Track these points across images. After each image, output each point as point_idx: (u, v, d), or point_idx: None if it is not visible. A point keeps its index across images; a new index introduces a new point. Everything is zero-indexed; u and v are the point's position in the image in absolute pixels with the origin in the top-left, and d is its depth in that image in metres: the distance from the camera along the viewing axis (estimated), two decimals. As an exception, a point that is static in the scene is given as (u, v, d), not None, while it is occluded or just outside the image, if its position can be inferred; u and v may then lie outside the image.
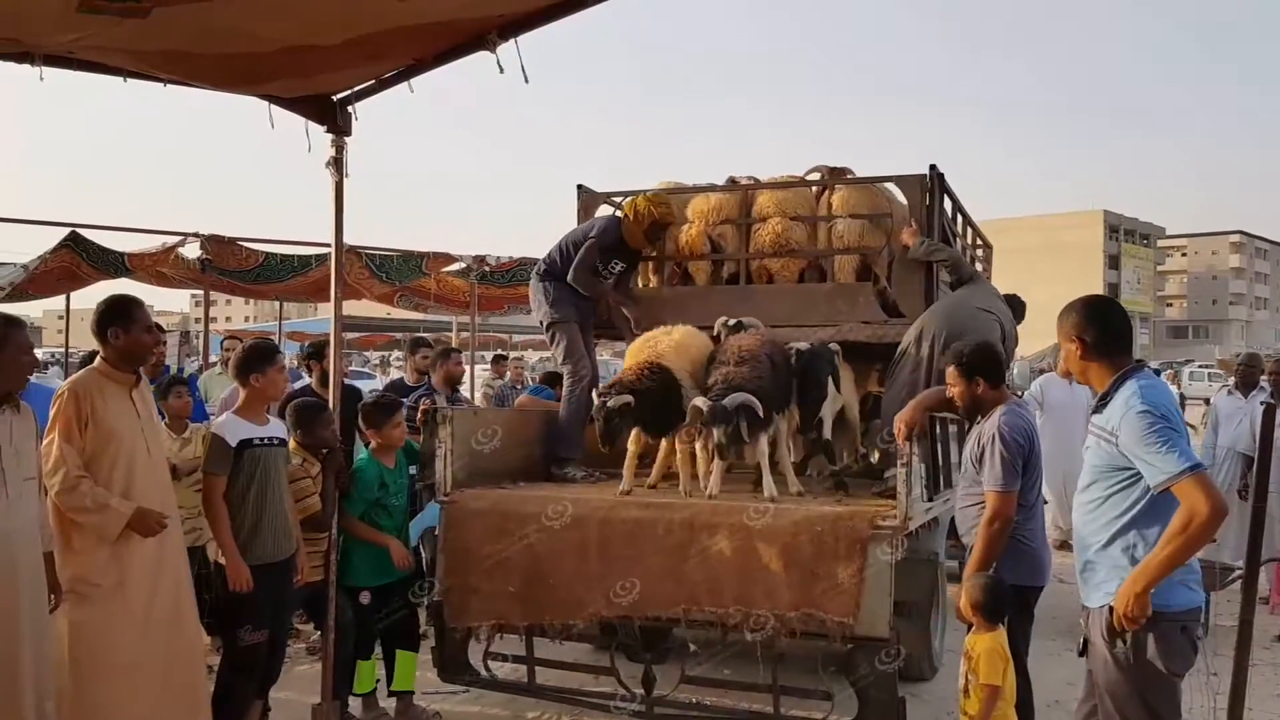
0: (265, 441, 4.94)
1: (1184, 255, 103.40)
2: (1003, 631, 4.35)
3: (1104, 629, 3.45)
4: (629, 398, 5.36)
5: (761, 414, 5.26)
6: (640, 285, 7.78)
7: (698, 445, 5.57)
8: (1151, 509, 3.41)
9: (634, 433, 5.58)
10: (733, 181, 7.53)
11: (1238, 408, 8.97)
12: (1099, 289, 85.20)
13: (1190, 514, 3.24)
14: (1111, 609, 3.41)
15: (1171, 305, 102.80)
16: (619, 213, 6.93)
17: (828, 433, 6.14)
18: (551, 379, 9.37)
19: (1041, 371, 18.94)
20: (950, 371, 4.77)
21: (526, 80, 4.13)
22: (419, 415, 5.88)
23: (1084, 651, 3.67)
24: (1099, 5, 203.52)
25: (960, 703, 4.41)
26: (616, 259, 6.70)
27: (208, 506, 4.84)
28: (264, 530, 4.87)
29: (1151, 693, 3.43)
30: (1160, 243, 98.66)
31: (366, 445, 5.79)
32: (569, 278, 6.57)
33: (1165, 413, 3.36)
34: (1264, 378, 9.07)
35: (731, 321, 6.27)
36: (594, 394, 5.63)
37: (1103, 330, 3.59)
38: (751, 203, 7.22)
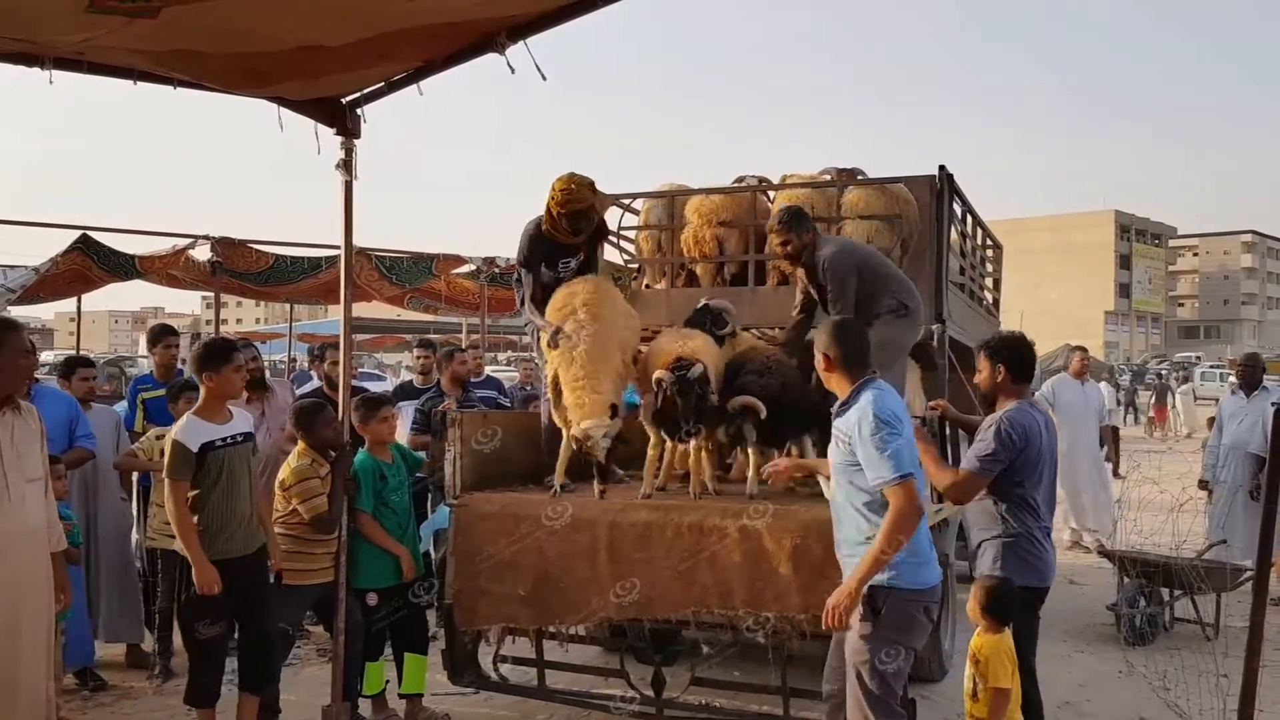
0: (227, 441, 4.91)
1: (1196, 255, 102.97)
2: (1008, 634, 4.35)
3: (861, 604, 3.89)
4: (703, 366, 5.25)
5: (764, 415, 5.21)
6: (646, 286, 7.80)
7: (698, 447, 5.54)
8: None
9: (654, 434, 5.53)
10: (740, 181, 7.54)
11: (1240, 407, 9.02)
12: (1110, 289, 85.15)
13: (894, 514, 3.81)
14: (873, 587, 3.87)
15: (1183, 305, 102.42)
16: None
17: None
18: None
19: (1053, 373, 18.93)
20: (980, 355, 4.84)
21: (544, 78, 4.14)
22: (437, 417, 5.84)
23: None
24: (1110, 5, 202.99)
25: (967, 706, 4.40)
26: (562, 260, 6.13)
27: (172, 512, 4.79)
28: (230, 528, 4.88)
29: (886, 662, 3.90)
30: (1172, 243, 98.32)
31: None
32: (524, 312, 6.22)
33: (891, 419, 3.90)
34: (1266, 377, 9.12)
35: (699, 304, 6.16)
36: (664, 373, 5.31)
37: (845, 348, 4.13)
38: (759, 204, 7.22)
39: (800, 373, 5.51)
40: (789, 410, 5.35)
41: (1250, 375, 9.11)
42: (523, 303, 6.15)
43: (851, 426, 3.96)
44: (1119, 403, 25.68)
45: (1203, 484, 9.19)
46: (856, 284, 5.63)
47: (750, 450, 5.39)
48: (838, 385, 4.15)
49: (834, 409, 4.17)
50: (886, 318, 5.63)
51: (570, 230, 5.87)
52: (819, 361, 4.20)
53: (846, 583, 3.89)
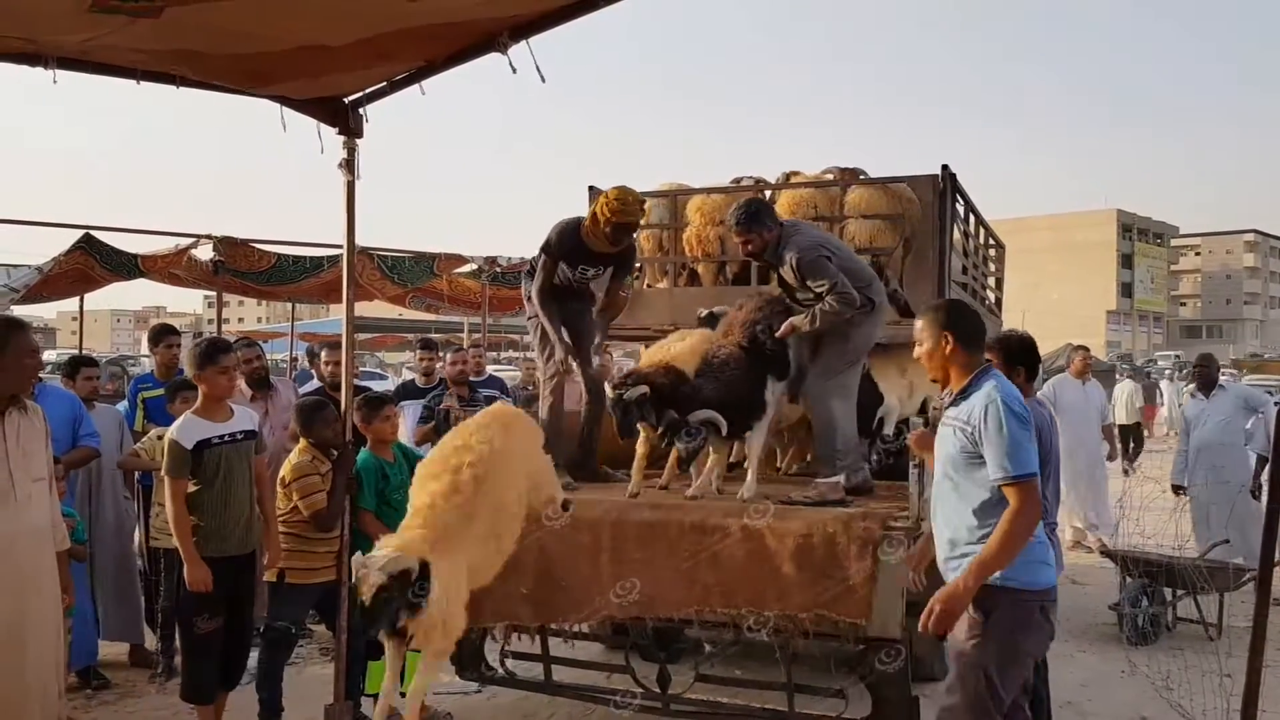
0: (224, 439, 4.99)
1: (1198, 254, 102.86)
2: None
3: (971, 603, 3.65)
4: (645, 388, 5.18)
5: (724, 430, 5.22)
6: (647, 286, 7.79)
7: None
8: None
9: (643, 434, 5.55)
10: (737, 183, 7.53)
11: (1201, 410, 9.32)
12: (1112, 289, 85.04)
13: (1012, 516, 3.56)
14: (984, 586, 3.61)
15: (1185, 305, 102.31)
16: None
17: (888, 429, 6.32)
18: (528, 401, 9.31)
19: (1055, 372, 18.97)
20: (990, 358, 4.83)
21: (543, 80, 4.13)
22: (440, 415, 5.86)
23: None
24: (1111, 5, 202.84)
25: None
26: (584, 265, 6.12)
27: (169, 509, 4.91)
28: (227, 527, 4.97)
29: (999, 667, 3.65)
30: (1174, 242, 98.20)
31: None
32: (533, 297, 6.17)
33: (1023, 411, 3.69)
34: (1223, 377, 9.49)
35: (704, 313, 6.19)
36: (608, 387, 5.44)
37: (967, 329, 3.89)
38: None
39: (749, 358, 5.44)
40: (742, 406, 5.38)
41: (1205, 376, 9.47)
42: (529, 296, 6.18)
43: (975, 415, 3.70)
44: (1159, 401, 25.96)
45: (1176, 489, 9.30)
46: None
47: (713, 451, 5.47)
48: (956, 370, 3.88)
49: (945, 398, 3.95)
50: (856, 315, 5.46)
51: (611, 240, 5.88)
52: (935, 343, 3.89)
53: (954, 583, 3.63)
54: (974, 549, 3.69)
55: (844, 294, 5.29)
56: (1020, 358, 4.80)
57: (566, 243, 5.97)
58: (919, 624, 3.68)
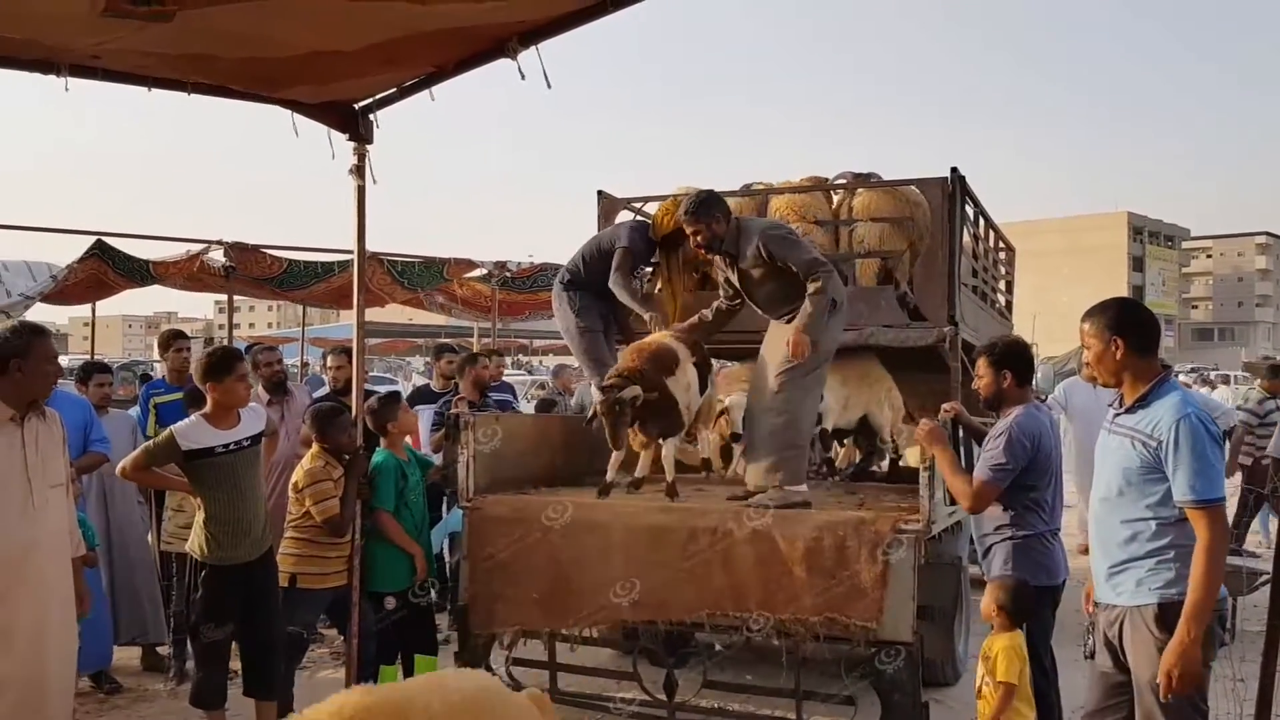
0: (230, 447, 4.95)
1: (1209, 257, 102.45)
2: (1020, 634, 4.37)
3: (1153, 623, 3.50)
4: (638, 389, 5.22)
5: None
6: (658, 290, 7.81)
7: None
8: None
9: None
10: (747, 188, 7.53)
11: None
12: (1124, 291, 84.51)
13: (1207, 548, 3.37)
14: (1162, 605, 3.48)
15: (1196, 308, 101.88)
16: (647, 218, 6.84)
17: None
18: (546, 406, 9.47)
19: (1066, 375, 18.90)
20: (980, 362, 4.81)
21: (549, 86, 4.17)
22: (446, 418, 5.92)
23: (1092, 655, 3.79)
24: (1121, 8, 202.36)
25: (979, 706, 4.39)
26: (643, 265, 6.65)
27: (127, 470, 5.05)
28: (239, 534, 4.94)
29: (1198, 685, 3.50)
30: (1185, 244, 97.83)
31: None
32: (610, 283, 6.34)
33: (1214, 430, 3.49)
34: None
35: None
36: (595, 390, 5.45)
37: (1142, 331, 3.64)
38: (769, 207, 7.20)
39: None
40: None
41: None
42: (576, 310, 6.53)
43: (1162, 430, 3.45)
44: None
45: None
46: (788, 272, 5.34)
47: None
48: (1131, 376, 3.60)
49: (1117, 404, 3.70)
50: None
51: (667, 247, 6.45)
52: (1105, 347, 3.62)
53: (1178, 641, 3.37)
54: (1140, 564, 3.56)
55: (827, 272, 5.30)
56: (1009, 362, 4.77)
57: (642, 246, 6.40)
58: (1160, 692, 3.43)
